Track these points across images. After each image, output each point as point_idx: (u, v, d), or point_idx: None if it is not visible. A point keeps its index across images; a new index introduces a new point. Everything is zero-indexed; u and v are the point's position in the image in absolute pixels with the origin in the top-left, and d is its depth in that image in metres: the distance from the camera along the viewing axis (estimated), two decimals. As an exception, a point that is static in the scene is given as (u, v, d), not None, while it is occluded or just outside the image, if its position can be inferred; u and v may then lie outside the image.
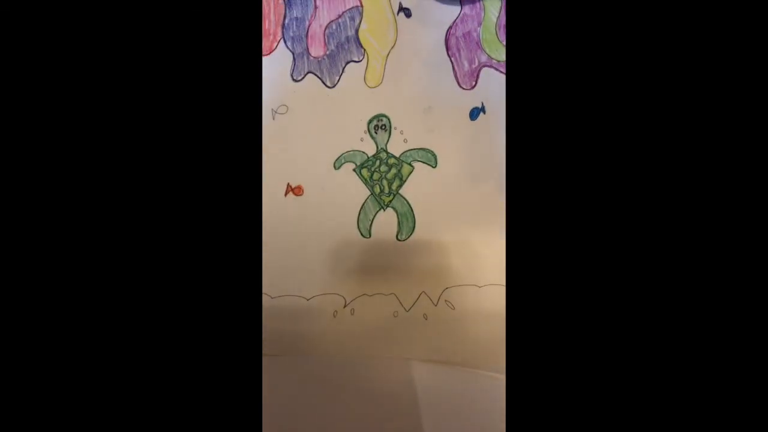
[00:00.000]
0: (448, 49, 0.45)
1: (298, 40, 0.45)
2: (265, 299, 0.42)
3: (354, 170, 0.44)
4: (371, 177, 0.43)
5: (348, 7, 0.45)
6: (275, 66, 0.45)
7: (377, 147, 0.44)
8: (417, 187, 0.43)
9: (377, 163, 0.44)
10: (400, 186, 0.43)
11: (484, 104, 0.44)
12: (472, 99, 0.44)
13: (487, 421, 0.37)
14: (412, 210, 0.43)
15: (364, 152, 0.44)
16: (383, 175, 0.43)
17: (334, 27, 0.45)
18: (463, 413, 0.38)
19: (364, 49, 0.45)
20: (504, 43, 0.45)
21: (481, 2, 0.45)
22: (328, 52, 0.45)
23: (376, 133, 0.44)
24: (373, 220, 0.43)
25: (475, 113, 0.44)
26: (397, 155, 0.44)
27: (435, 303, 0.42)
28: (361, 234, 0.43)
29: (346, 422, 0.38)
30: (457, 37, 0.45)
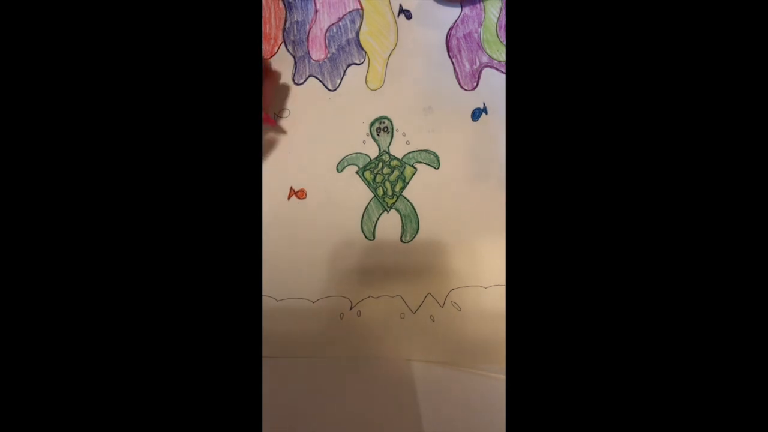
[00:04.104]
0: (449, 50, 0.45)
1: (299, 44, 0.45)
2: (270, 302, 0.42)
3: (357, 173, 0.44)
4: (374, 179, 0.43)
5: (348, 10, 0.45)
6: (276, 70, 0.45)
7: (379, 149, 0.44)
8: (420, 188, 0.43)
9: (380, 165, 0.44)
10: (403, 188, 0.43)
11: (486, 105, 0.44)
12: (474, 100, 0.44)
13: (491, 422, 0.37)
14: (415, 211, 0.43)
15: (366, 155, 0.44)
16: (386, 177, 0.43)
17: (334, 30, 0.45)
18: (467, 414, 0.38)
19: (365, 52, 0.45)
20: (505, 43, 0.45)
21: (481, 3, 0.45)
22: (329, 55, 0.45)
23: (378, 135, 0.44)
24: (376, 222, 0.43)
25: (476, 114, 0.44)
26: (400, 157, 0.44)
27: (441, 304, 0.42)
28: (365, 236, 0.43)
29: (346, 423, 0.38)
30: (457, 38, 0.45)
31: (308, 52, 0.45)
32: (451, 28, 0.45)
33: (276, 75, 0.44)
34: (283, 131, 0.44)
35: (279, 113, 0.44)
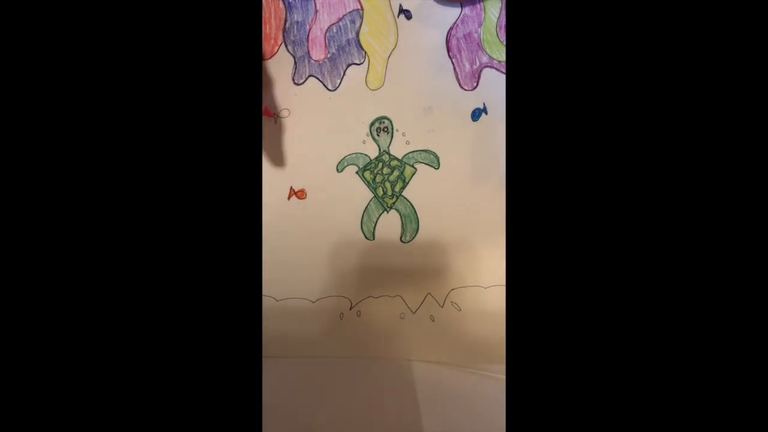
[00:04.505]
0: (449, 50, 0.45)
1: (299, 44, 0.45)
2: (270, 302, 0.42)
3: (357, 173, 0.44)
4: (374, 179, 0.43)
5: (348, 10, 0.45)
6: (276, 70, 0.45)
7: (379, 149, 0.44)
8: (420, 188, 0.43)
9: (380, 165, 0.44)
10: (403, 188, 0.43)
11: (486, 105, 0.44)
12: (474, 100, 0.44)
13: (491, 422, 0.37)
14: (415, 211, 0.43)
15: (366, 155, 0.44)
16: (386, 177, 0.43)
17: (334, 30, 0.45)
18: (467, 414, 0.38)
19: (365, 52, 0.45)
20: (505, 43, 0.45)
21: (481, 3, 0.45)
22: (329, 56, 0.45)
23: (378, 135, 0.44)
24: (376, 222, 0.43)
25: (476, 114, 0.44)
26: (400, 157, 0.44)
27: (441, 304, 0.42)
28: (365, 236, 0.43)
29: (346, 423, 0.38)
30: (458, 39, 0.45)
31: (308, 52, 0.45)
32: (451, 29, 0.45)
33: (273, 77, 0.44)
34: (282, 131, 0.44)
35: (279, 113, 0.44)
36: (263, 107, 0.42)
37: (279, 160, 0.44)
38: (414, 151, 0.44)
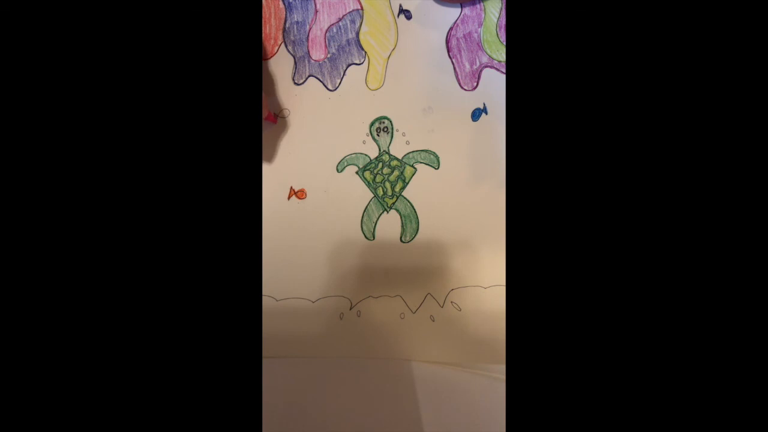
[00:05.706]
0: (449, 50, 0.45)
1: (299, 44, 0.45)
2: (270, 302, 0.42)
3: (357, 173, 0.44)
4: (374, 179, 0.43)
5: (348, 10, 0.45)
6: (277, 70, 0.45)
7: (379, 149, 0.44)
8: (420, 188, 0.43)
9: (380, 165, 0.44)
10: (403, 188, 0.43)
11: (486, 105, 0.44)
12: (474, 100, 0.44)
13: (491, 422, 0.37)
14: (415, 212, 0.43)
15: (366, 155, 0.44)
16: (386, 177, 0.43)
17: (334, 30, 0.45)
18: (467, 414, 0.38)
19: (365, 52, 0.45)
20: (505, 43, 0.45)
21: (481, 3, 0.45)
22: (329, 56, 0.45)
23: (378, 135, 0.44)
24: (376, 222, 0.43)
25: (476, 114, 0.44)
26: (400, 157, 0.44)
27: (441, 304, 0.42)
28: (365, 236, 0.43)
29: (346, 423, 0.38)
30: (457, 39, 0.45)
31: (308, 52, 0.45)
32: (451, 29, 0.45)
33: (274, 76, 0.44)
34: (281, 131, 0.44)
35: (279, 113, 0.44)
36: (268, 113, 0.42)
37: (278, 160, 0.44)
38: (414, 151, 0.44)
